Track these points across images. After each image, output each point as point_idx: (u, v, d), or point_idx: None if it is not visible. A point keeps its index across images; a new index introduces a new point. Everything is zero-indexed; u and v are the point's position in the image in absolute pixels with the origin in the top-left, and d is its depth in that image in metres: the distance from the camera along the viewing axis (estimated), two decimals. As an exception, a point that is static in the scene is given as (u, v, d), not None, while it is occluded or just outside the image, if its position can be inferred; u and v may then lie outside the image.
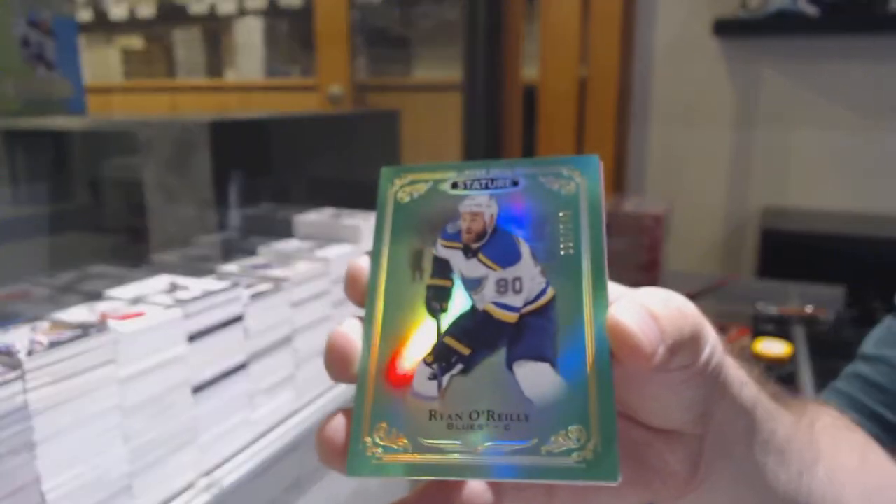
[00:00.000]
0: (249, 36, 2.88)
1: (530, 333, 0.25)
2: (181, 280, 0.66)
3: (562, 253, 0.26)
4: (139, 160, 0.87)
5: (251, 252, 0.82)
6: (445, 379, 0.24)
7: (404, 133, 1.39)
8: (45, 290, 0.75)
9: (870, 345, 0.56)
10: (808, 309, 1.15)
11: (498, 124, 1.67)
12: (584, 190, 0.27)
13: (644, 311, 0.24)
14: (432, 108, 2.24)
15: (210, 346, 0.63)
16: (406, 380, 0.24)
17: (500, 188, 0.28)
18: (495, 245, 0.26)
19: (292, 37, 2.94)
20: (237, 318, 0.66)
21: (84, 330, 0.52)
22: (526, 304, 0.25)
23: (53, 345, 0.49)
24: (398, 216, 0.28)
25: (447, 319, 0.25)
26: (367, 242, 0.87)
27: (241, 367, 0.67)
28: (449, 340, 0.25)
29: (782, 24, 1.82)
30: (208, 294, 0.63)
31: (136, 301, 0.61)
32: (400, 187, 0.28)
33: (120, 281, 0.65)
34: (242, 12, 2.86)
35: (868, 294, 1.21)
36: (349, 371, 0.25)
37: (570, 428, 0.22)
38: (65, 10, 1.12)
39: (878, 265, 1.56)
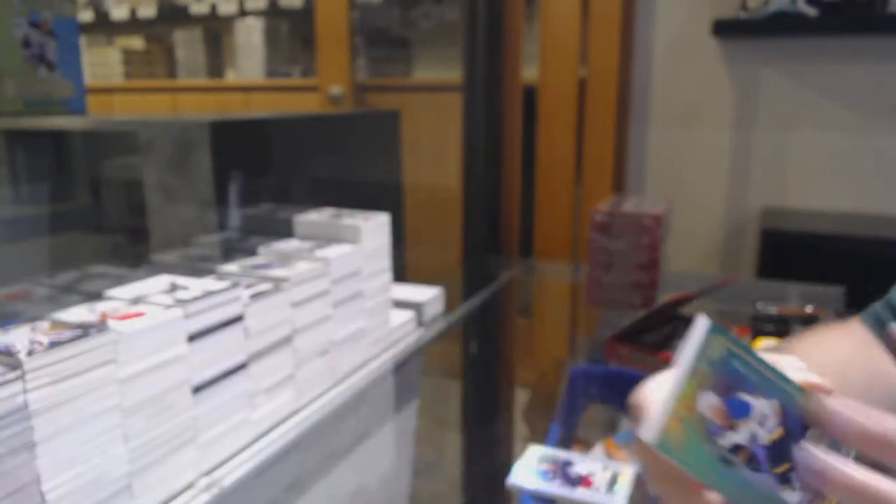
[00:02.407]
0: (250, 36, 2.88)
1: None
2: (181, 280, 0.66)
3: None
4: (139, 160, 0.87)
5: (251, 252, 0.82)
6: None
7: (404, 133, 1.39)
8: (45, 290, 0.75)
9: None
10: (808, 309, 1.15)
11: (498, 124, 1.67)
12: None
13: None
14: (432, 109, 2.24)
15: (210, 346, 0.63)
16: None
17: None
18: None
19: (293, 37, 2.94)
20: (237, 319, 0.66)
21: (84, 330, 0.52)
22: None
23: (53, 345, 0.49)
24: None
25: None
26: (367, 243, 0.87)
27: (241, 367, 0.67)
28: None
29: (782, 25, 1.82)
30: (208, 294, 0.63)
31: (137, 301, 0.61)
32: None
33: (120, 281, 0.65)
34: (243, 13, 2.86)
35: (868, 294, 1.21)
36: None
37: None
38: (66, 10, 1.12)
39: (878, 265, 1.56)
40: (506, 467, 0.67)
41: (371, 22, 2.63)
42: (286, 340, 0.74)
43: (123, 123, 1.06)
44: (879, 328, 0.58)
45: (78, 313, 0.57)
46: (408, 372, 0.93)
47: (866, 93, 1.89)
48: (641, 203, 1.35)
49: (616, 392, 0.85)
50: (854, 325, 0.59)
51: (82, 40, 1.25)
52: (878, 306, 0.61)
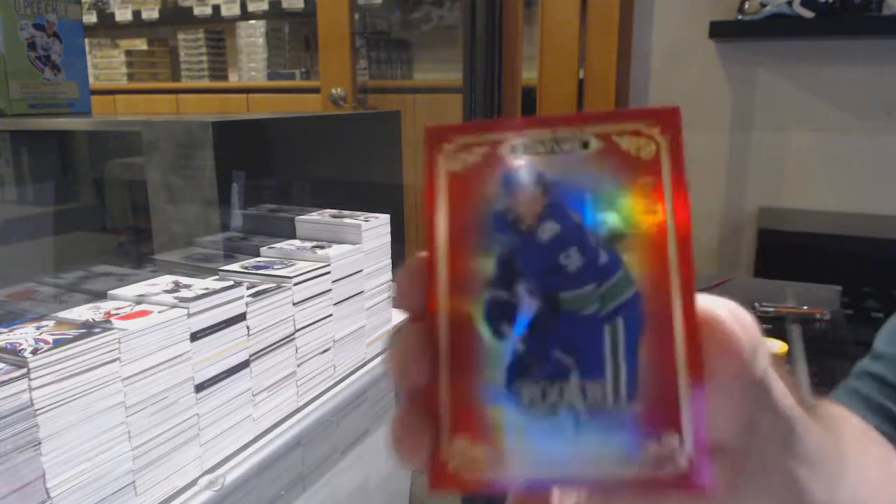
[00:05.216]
0: (252, 38, 2.88)
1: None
2: (184, 279, 0.67)
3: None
4: (143, 160, 0.88)
5: (253, 252, 0.83)
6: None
7: (405, 134, 1.39)
8: (50, 289, 0.75)
9: (882, 342, 0.54)
10: (805, 308, 1.16)
11: (498, 125, 1.67)
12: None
13: (730, 310, 0.22)
14: (433, 110, 2.24)
15: (213, 344, 0.64)
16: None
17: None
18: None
19: (294, 39, 2.95)
20: (239, 317, 0.67)
21: (88, 329, 0.53)
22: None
23: (58, 343, 0.50)
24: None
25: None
26: (368, 243, 0.88)
27: (243, 365, 0.68)
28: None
29: (778, 27, 1.83)
30: (211, 293, 0.63)
31: (140, 300, 0.61)
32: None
33: (124, 280, 0.66)
34: (245, 15, 2.87)
35: (863, 293, 1.22)
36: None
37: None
38: (71, 13, 1.13)
39: (873, 265, 1.56)
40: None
41: (372, 24, 2.63)
42: (288, 339, 0.75)
43: (127, 124, 1.07)
44: (871, 407, 0.50)
45: (82, 312, 0.57)
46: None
47: (862, 94, 1.90)
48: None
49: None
50: (870, 431, 0.47)
51: (86, 42, 1.25)
52: (853, 383, 0.53)
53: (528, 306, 0.22)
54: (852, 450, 0.36)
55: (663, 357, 0.21)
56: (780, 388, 0.27)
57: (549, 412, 0.22)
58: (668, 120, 0.23)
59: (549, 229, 0.23)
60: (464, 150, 0.24)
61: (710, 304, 0.22)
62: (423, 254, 0.23)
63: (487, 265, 0.23)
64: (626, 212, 0.22)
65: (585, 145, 0.23)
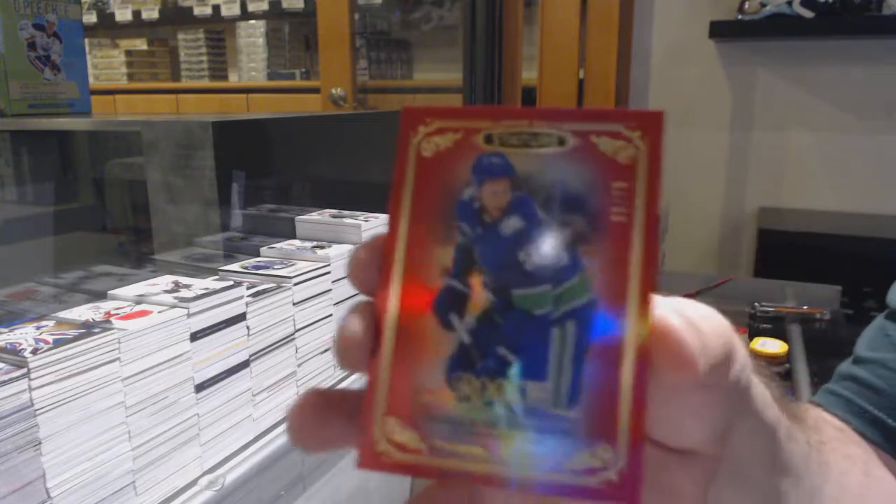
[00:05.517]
0: (252, 38, 2.89)
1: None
2: (184, 279, 0.67)
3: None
4: (143, 160, 0.88)
5: (253, 252, 0.83)
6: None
7: (405, 134, 1.39)
8: (50, 290, 0.75)
9: (863, 346, 0.54)
10: (805, 308, 1.16)
11: (498, 126, 1.67)
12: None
13: (687, 319, 0.21)
14: (433, 110, 2.24)
15: (213, 344, 0.64)
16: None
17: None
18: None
19: (294, 39, 2.95)
20: (239, 317, 0.67)
21: (88, 328, 0.53)
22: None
23: (58, 343, 0.50)
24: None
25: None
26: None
27: (243, 365, 0.68)
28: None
29: (778, 27, 1.83)
30: (211, 293, 0.63)
31: (140, 300, 0.61)
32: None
33: (124, 280, 0.66)
34: (245, 15, 2.87)
35: (863, 293, 1.22)
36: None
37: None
38: (71, 13, 1.13)
39: (873, 265, 1.56)
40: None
41: (372, 24, 2.64)
42: (288, 339, 0.75)
43: (127, 124, 1.07)
44: (852, 410, 0.49)
45: (82, 312, 0.58)
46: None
47: (861, 94, 1.90)
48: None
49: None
50: (850, 434, 0.47)
51: (87, 42, 1.26)
52: (833, 386, 0.53)
53: (480, 300, 0.22)
54: (833, 456, 0.36)
55: (609, 368, 0.21)
56: (760, 396, 0.27)
57: (485, 407, 0.21)
58: (651, 124, 0.22)
59: (511, 224, 0.22)
60: (437, 134, 0.23)
61: (665, 312, 0.21)
62: (383, 233, 0.23)
63: (445, 253, 0.22)
64: (593, 216, 0.22)
65: (561, 142, 0.22)
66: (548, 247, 0.22)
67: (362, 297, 0.24)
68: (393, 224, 0.23)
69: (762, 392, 0.27)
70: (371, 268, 0.23)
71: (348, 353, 0.22)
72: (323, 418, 0.23)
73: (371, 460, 0.21)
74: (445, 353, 0.22)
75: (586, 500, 0.20)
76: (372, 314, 0.22)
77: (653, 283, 0.21)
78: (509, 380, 0.21)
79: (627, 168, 0.22)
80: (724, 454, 0.26)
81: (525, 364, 0.21)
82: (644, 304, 0.21)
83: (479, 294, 0.22)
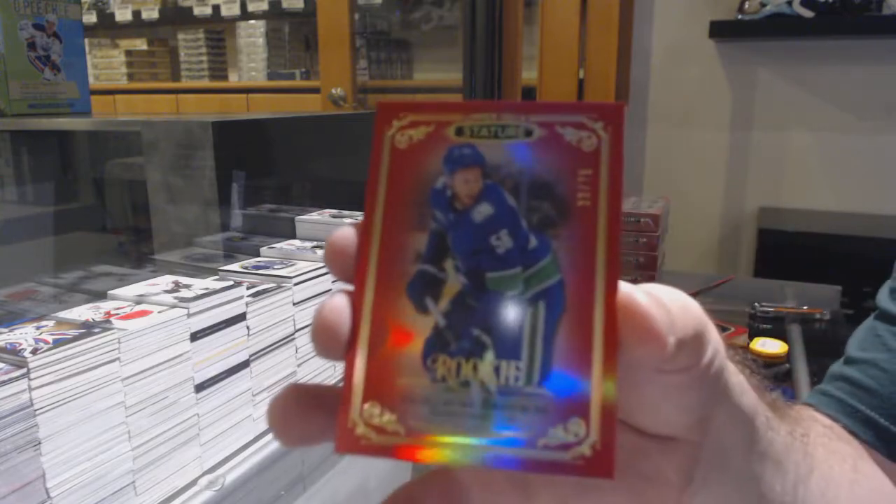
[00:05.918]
0: (252, 38, 2.89)
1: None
2: (184, 279, 0.67)
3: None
4: (143, 160, 0.88)
5: (253, 252, 0.83)
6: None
7: (405, 134, 1.39)
8: (50, 290, 0.75)
9: (854, 347, 0.54)
10: (805, 308, 1.16)
11: (498, 126, 1.67)
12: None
13: (655, 298, 0.21)
14: (433, 110, 2.24)
15: (213, 344, 0.64)
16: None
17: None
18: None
19: (294, 39, 2.95)
20: (239, 317, 0.67)
21: (88, 328, 0.53)
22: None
23: (58, 343, 0.50)
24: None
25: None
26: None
27: (243, 365, 0.68)
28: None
29: (778, 27, 1.83)
30: (211, 293, 0.63)
31: (140, 300, 0.61)
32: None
33: (124, 280, 0.66)
34: (245, 15, 2.87)
35: (863, 293, 1.22)
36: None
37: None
38: (71, 13, 1.13)
39: (873, 265, 1.56)
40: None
41: (372, 24, 2.64)
42: (288, 339, 0.75)
43: (127, 124, 1.07)
44: (844, 410, 0.49)
45: (82, 312, 0.58)
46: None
47: (861, 94, 1.90)
48: (639, 203, 1.36)
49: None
50: (840, 431, 0.47)
51: (86, 42, 1.26)
52: (825, 387, 0.53)
53: (454, 283, 0.23)
54: (820, 450, 0.36)
55: (580, 345, 0.21)
56: (738, 385, 0.27)
57: (461, 388, 0.22)
58: (612, 116, 0.23)
59: (482, 211, 0.23)
60: (411, 127, 0.24)
61: (632, 290, 0.22)
62: (359, 221, 0.24)
63: (419, 240, 0.23)
64: (559, 201, 0.23)
65: (528, 133, 0.23)
66: (518, 231, 0.23)
67: (341, 285, 0.24)
68: (368, 212, 0.24)
69: (738, 379, 0.28)
70: (347, 254, 0.24)
71: (325, 339, 0.22)
72: (304, 412, 0.23)
73: (349, 444, 0.22)
74: (421, 336, 0.23)
75: (561, 475, 0.21)
76: (348, 300, 0.23)
77: (618, 262, 0.22)
78: (483, 360, 0.22)
79: (591, 156, 0.23)
80: (705, 441, 0.27)
81: (498, 343, 0.22)
82: (611, 282, 0.22)
83: (453, 278, 0.23)
